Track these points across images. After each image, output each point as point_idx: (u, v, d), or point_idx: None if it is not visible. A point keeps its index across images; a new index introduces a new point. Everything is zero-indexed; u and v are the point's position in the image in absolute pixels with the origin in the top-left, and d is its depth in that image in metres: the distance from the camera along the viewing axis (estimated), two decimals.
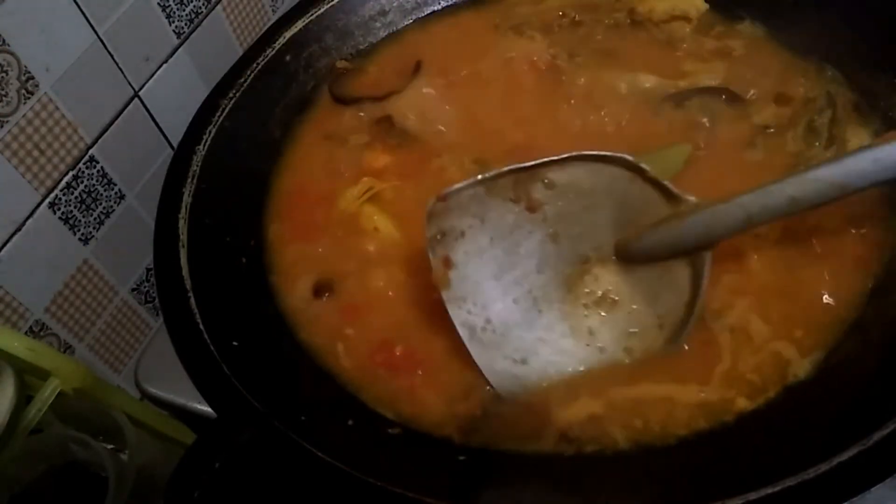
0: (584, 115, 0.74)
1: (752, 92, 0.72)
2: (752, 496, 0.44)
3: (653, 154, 0.68)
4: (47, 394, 0.61)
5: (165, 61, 0.83)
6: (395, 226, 0.69)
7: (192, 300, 0.61)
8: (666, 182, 0.55)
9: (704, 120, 0.71)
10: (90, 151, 0.75)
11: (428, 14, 0.89)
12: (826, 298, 0.59)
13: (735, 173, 0.67)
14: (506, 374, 0.57)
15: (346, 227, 0.70)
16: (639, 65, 0.76)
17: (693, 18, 0.79)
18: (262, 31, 0.84)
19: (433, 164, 0.73)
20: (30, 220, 0.70)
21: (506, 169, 0.56)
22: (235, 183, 0.73)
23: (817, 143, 0.66)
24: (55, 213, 0.73)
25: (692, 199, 0.55)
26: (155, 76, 0.82)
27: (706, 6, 0.79)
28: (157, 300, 0.86)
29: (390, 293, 0.65)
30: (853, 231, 0.62)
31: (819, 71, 0.72)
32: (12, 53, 0.65)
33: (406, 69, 0.81)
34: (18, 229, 0.70)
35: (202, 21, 0.86)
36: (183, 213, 0.67)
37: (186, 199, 0.68)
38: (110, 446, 0.67)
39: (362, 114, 0.79)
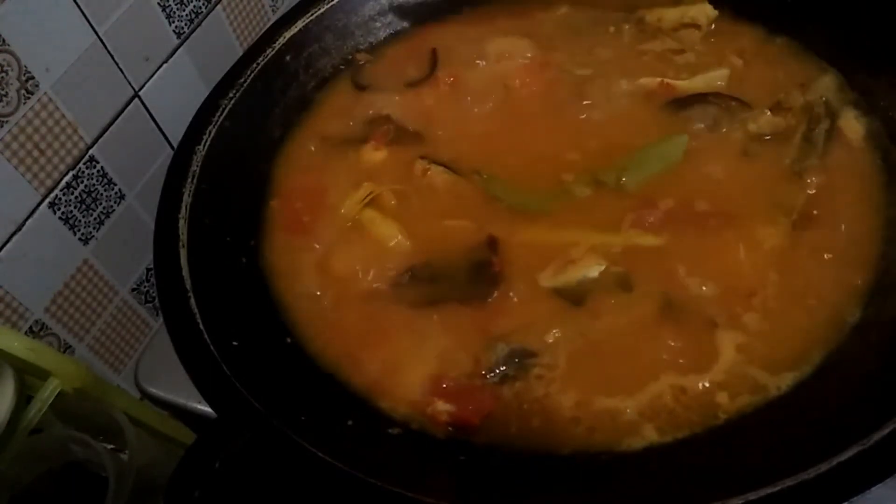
0: (585, 119, 0.74)
1: (752, 99, 0.72)
2: (752, 496, 0.44)
3: (652, 145, 0.69)
4: (47, 394, 0.61)
5: (165, 61, 0.83)
6: (398, 229, 0.69)
7: (192, 300, 0.60)
8: None
9: (703, 126, 0.71)
10: (90, 151, 0.75)
11: (428, 14, 0.89)
12: (826, 299, 0.59)
13: (730, 181, 0.67)
14: None
15: (347, 230, 0.70)
16: (643, 71, 0.76)
17: (703, 25, 0.79)
18: (262, 31, 0.84)
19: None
20: (30, 220, 0.70)
21: None
22: (235, 183, 0.73)
23: (813, 153, 0.66)
24: (55, 213, 0.73)
25: None
26: (155, 76, 0.82)
27: (716, 13, 0.79)
28: (157, 300, 0.86)
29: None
30: (852, 231, 0.62)
31: (820, 75, 0.72)
32: (12, 53, 0.65)
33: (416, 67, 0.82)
34: (18, 229, 0.70)
35: (202, 21, 0.86)
36: (183, 213, 0.67)
37: (186, 199, 0.68)
38: (110, 446, 0.67)
39: (369, 111, 0.80)
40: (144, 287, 0.86)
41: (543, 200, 0.68)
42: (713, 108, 0.72)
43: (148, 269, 0.86)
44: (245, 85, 0.77)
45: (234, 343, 0.59)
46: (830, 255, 0.61)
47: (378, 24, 0.88)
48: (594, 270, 0.62)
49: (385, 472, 0.50)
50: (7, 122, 0.66)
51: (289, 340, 0.63)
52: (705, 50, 0.78)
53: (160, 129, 0.84)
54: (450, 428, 0.56)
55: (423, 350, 0.61)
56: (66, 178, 0.73)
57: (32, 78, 0.68)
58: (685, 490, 0.50)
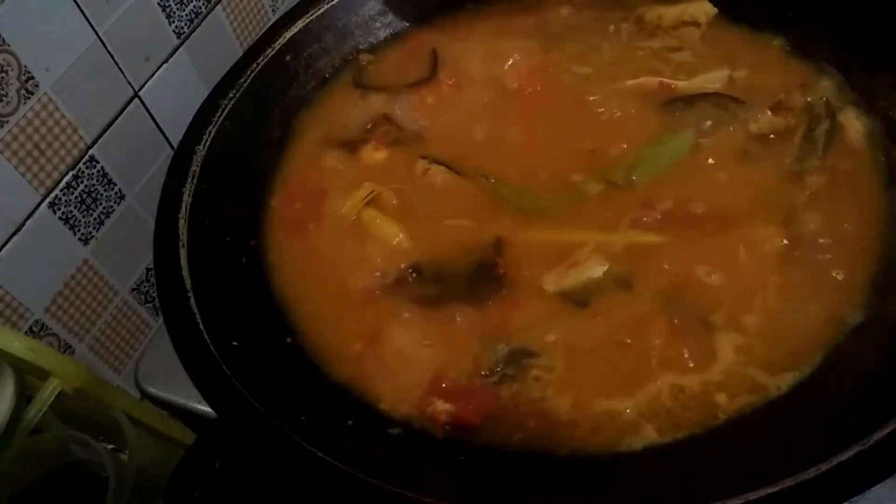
0: (585, 119, 0.74)
1: (752, 98, 0.72)
2: (752, 496, 0.44)
3: (658, 143, 0.69)
4: (47, 394, 0.61)
5: (165, 61, 0.83)
6: (400, 228, 0.68)
7: (192, 300, 0.61)
8: None
9: (703, 126, 0.71)
10: (90, 151, 0.75)
11: (428, 14, 0.89)
12: (826, 299, 0.59)
13: (730, 181, 0.67)
14: None
15: (347, 230, 0.70)
16: (643, 70, 0.76)
17: (702, 23, 0.79)
18: (262, 31, 0.84)
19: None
20: (30, 220, 0.70)
21: None
22: (235, 183, 0.73)
23: (814, 153, 0.66)
24: (55, 213, 0.73)
25: None
26: (155, 76, 0.82)
27: (715, 10, 0.79)
28: (157, 300, 0.86)
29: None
30: (853, 231, 0.62)
31: (820, 75, 0.72)
32: (12, 53, 0.65)
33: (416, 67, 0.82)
34: (18, 229, 0.70)
35: (202, 21, 0.86)
36: (183, 213, 0.67)
37: (186, 199, 0.68)
38: (110, 446, 0.67)
39: (369, 112, 0.80)
40: (144, 287, 0.86)
41: (554, 202, 0.68)
42: (713, 108, 0.71)
43: (148, 269, 0.86)
44: (245, 85, 0.77)
45: (234, 343, 0.59)
46: (830, 256, 0.61)
47: (378, 24, 0.88)
48: (598, 271, 0.62)
49: (385, 472, 0.50)
50: (7, 122, 0.66)
51: (289, 340, 0.63)
52: (705, 48, 0.78)
53: (160, 129, 0.84)
54: (449, 428, 0.56)
55: (423, 350, 0.61)
56: (66, 178, 0.73)
57: (32, 78, 0.68)
58: (685, 490, 0.50)
